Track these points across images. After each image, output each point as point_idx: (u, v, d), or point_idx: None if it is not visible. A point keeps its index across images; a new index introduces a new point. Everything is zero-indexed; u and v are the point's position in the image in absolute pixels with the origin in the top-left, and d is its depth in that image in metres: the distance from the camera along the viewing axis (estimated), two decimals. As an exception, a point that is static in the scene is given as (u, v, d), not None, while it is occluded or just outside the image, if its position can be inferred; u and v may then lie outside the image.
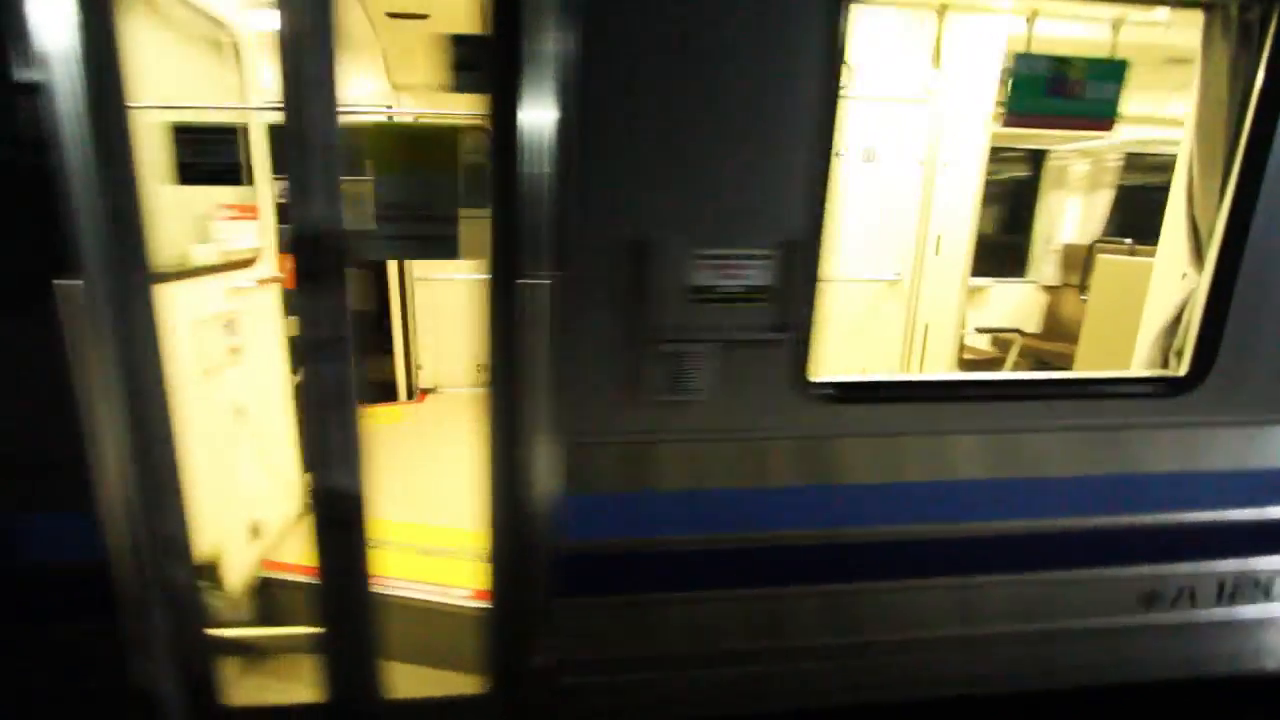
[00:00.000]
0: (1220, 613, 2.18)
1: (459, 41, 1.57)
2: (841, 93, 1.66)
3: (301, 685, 1.97)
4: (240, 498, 2.39)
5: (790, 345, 1.77)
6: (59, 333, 1.49)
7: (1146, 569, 2.10)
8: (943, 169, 3.86)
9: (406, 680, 2.04)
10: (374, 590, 1.88)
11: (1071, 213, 5.73)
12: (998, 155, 4.70)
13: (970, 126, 3.72)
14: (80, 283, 1.47)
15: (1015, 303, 5.75)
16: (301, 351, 1.64)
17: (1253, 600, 2.19)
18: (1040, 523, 2.00)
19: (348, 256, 1.61)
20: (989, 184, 4.27)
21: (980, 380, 2.09)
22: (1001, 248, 5.83)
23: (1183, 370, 2.04)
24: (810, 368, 1.81)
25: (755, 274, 1.71)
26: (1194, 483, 2.07)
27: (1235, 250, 1.89)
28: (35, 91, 1.38)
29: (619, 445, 1.79)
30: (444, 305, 4.60)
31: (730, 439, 1.82)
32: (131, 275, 1.58)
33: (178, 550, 1.80)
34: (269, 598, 2.41)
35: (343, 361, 1.68)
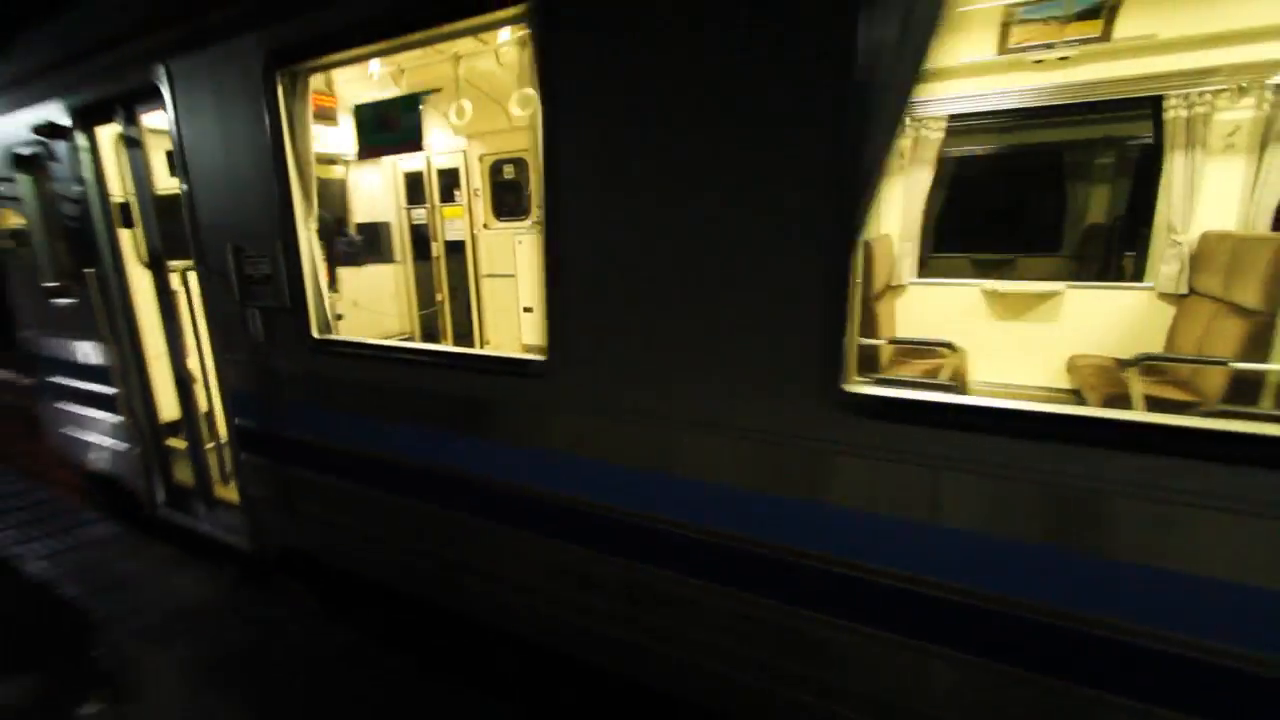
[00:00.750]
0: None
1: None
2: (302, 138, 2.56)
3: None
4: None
5: (294, 313, 2.74)
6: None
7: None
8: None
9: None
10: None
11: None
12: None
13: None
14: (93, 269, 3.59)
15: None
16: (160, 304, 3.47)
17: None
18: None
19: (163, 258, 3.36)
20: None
21: (411, 347, 2.53)
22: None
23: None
24: (315, 329, 2.74)
25: (265, 266, 2.75)
26: (539, 464, 2.14)
27: (553, 222, 1.97)
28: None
29: (245, 365, 3.05)
30: (501, 295, 6.17)
31: (280, 372, 2.89)
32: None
33: (149, 405, 3.85)
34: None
35: (172, 309, 3.44)
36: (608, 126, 1.79)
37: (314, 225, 2.75)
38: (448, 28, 2.02)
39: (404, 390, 2.51)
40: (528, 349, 5.75)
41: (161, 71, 2.85)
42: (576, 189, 1.89)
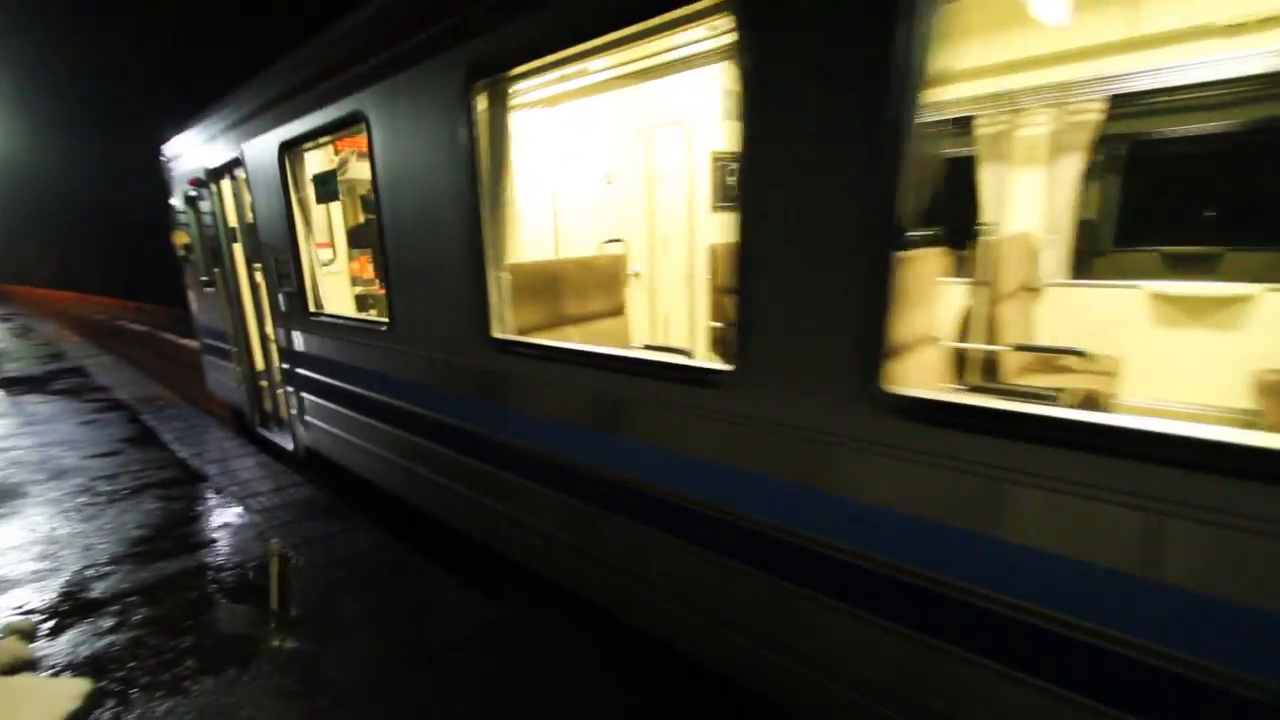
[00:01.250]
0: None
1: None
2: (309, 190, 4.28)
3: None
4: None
5: (299, 295, 4.48)
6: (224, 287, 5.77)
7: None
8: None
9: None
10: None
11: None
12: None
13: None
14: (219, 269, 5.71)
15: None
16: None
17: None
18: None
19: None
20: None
21: (345, 315, 4.11)
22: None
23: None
24: (310, 306, 4.46)
25: (286, 267, 4.52)
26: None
27: (382, 242, 3.48)
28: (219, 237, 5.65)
29: (282, 329, 4.89)
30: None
31: (294, 332, 4.66)
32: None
33: (249, 358, 5.91)
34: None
35: (256, 294, 5.43)
36: (395, 179, 3.25)
37: (313, 241, 4.48)
38: (345, 133, 3.63)
39: (345, 342, 4.14)
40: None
41: (241, 150, 4.76)
42: (390, 223, 3.35)
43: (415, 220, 3.18)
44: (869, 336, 1.68)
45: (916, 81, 1.52)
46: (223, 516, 4.60)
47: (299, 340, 4.68)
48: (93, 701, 2.73)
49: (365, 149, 3.37)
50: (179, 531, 4.40)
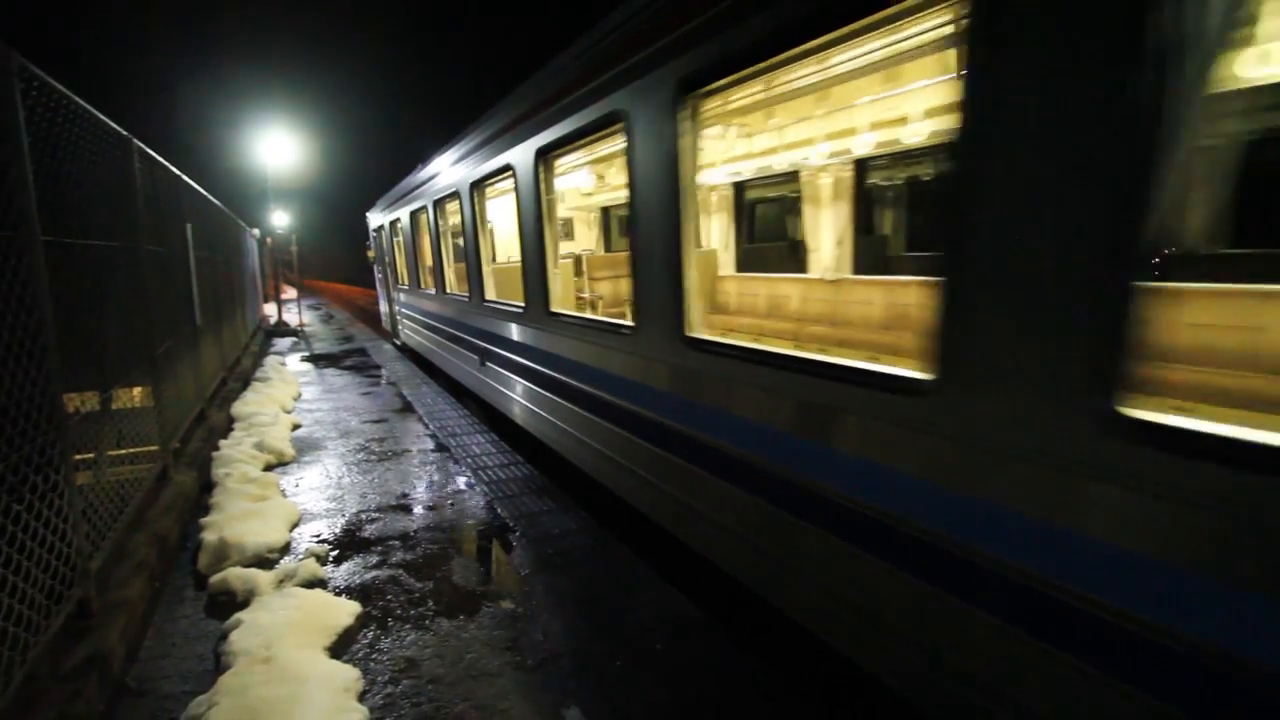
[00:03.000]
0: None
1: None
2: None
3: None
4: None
5: (394, 274, 11.60)
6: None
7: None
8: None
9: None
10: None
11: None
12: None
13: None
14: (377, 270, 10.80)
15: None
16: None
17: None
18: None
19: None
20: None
21: (405, 286, 8.02)
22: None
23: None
24: (401, 281, 11.62)
25: (393, 263, 11.54)
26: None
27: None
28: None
29: (395, 291, 12.12)
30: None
31: (396, 291, 12.00)
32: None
33: (391, 304, 13.02)
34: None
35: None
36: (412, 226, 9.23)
37: (401, 256, 11.03)
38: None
39: (423, 298, 10.40)
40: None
41: (385, 224, 11.81)
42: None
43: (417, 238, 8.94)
44: (680, 303, 3.10)
45: None
46: (459, 483, 5.09)
47: (397, 293, 11.26)
48: (361, 622, 3.15)
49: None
50: (427, 492, 4.91)
